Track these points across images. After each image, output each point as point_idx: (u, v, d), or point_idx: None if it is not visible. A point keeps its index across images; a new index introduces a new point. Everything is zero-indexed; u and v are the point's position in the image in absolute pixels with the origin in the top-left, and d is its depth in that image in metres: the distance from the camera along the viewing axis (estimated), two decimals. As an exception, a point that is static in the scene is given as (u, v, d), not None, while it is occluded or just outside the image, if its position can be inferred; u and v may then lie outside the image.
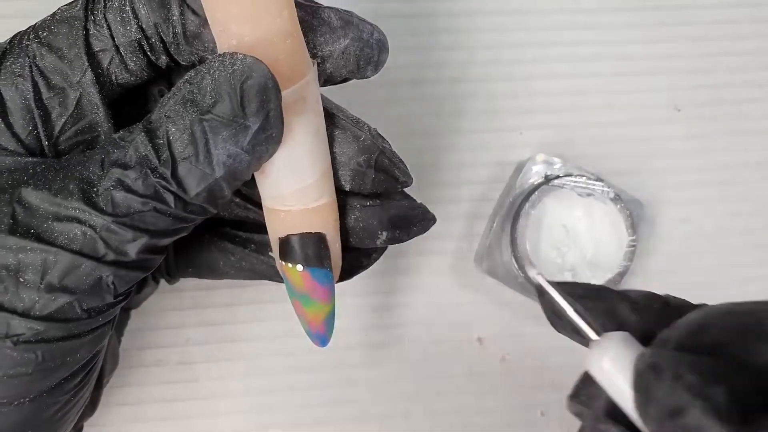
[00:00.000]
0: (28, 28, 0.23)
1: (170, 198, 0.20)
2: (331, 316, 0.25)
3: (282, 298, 0.26)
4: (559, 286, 0.20)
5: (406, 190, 0.26)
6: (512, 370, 0.36)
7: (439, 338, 0.35)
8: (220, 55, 0.20)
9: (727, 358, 0.16)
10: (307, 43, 0.22)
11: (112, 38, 0.22)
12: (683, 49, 0.39)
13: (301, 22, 0.22)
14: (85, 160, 0.21)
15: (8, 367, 0.20)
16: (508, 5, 0.38)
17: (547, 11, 0.38)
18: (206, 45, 0.22)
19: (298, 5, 0.22)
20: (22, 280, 0.20)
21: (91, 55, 0.22)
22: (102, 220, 0.20)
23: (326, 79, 0.24)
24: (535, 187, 0.34)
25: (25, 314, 0.20)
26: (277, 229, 0.23)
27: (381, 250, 0.26)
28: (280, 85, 0.20)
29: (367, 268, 0.27)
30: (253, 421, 0.34)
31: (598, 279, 0.34)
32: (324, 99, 0.23)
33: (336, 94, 0.25)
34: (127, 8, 0.22)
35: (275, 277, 0.26)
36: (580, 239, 0.34)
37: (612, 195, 0.34)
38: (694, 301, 0.19)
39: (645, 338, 0.18)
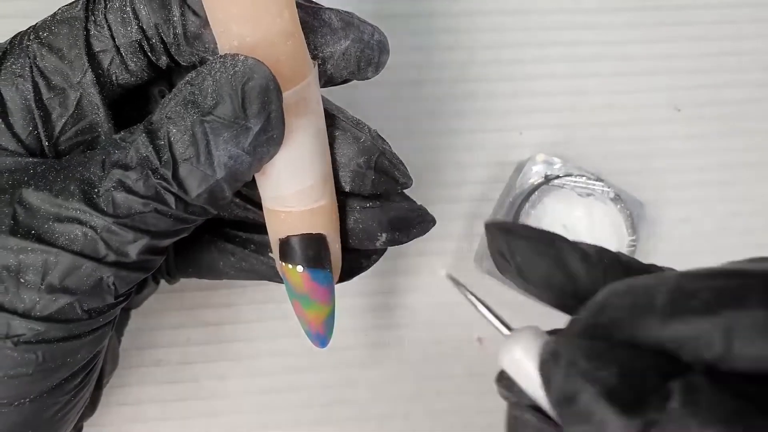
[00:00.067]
0: (28, 29, 0.23)
1: (171, 199, 0.20)
2: (331, 317, 0.25)
3: (282, 298, 0.26)
4: (511, 226, 0.19)
5: (406, 190, 0.26)
6: (512, 370, 0.36)
7: (439, 338, 0.35)
8: (221, 56, 0.20)
9: (620, 338, 0.16)
10: (308, 44, 0.22)
11: (113, 39, 0.22)
12: (683, 49, 0.39)
13: (302, 23, 0.22)
14: (85, 160, 0.21)
15: (9, 367, 0.20)
16: (508, 5, 0.38)
17: (547, 11, 0.38)
18: (207, 46, 0.22)
19: (298, 6, 0.22)
20: (22, 280, 0.20)
21: (92, 56, 0.22)
22: (103, 221, 0.20)
23: (327, 80, 0.24)
24: (535, 187, 0.34)
25: (25, 315, 0.20)
26: (277, 229, 0.23)
27: (381, 251, 0.26)
28: (281, 86, 0.20)
29: (367, 269, 0.27)
30: (253, 421, 0.34)
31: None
32: (324, 100, 0.23)
33: (336, 94, 0.25)
34: (127, 9, 0.22)
35: (275, 277, 0.26)
36: (580, 239, 0.34)
37: (612, 195, 0.34)
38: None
39: (592, 292, 0.18)
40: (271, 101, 0.20)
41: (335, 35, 0.23)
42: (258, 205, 0.24)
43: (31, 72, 0.22)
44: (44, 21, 0.23)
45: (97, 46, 0.22)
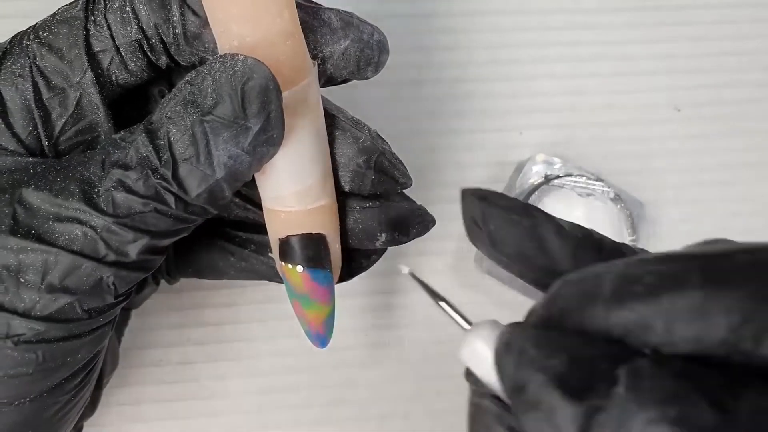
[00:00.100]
0: (28, 28, 0.23)
1: (171, 199, 0.20)
2: (330, 317, 0.25)
3: (282, 298, 0.26)
4: (488, 194, 0.19)
5: (406, 190, 0.26)
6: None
7: (439, 338, 0.35)
8: (221, 56, 0.20)
9: (571, 327, 0.16)
10: (308, 43, 0.22)
11: (113, 39, 0.22)
12: (683, 49, 0.39)
13: (302, 22, 0.22)
14: (85, 160, 0.21)
15: (9, 367, 0.20)
16: (507, 5, 0.38)
17: (547, 11, 0.38)
18: (206, 45, 0.22)
19: (298, 6, 0.22)
20: (22, 280, 0.20)
21: (92, 56, 0.22)
22: (103, 220, 0.20)
23: (326, 80, 0.24)
24: (535, 187, 0.34)
25: (25, 314, 0.20)
26: (277, 229, 0.23)
27: (381, 251, 0.26)
28: (281, 86, 0.20)
29: (366, 269, 0.27)
30: (253, 421, 0.34)
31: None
32: (324, 100, 0.23)
33: (336, 94, 0.25)
34: (127, 9, 0.22)
35: (275, 277, 0.26)
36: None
37: (612, 195, 0.34)
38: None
39: (563, 267, 0.18)
40: (270, 101, 0.20)
41: (335, 35, 0.23)
42: (258, 205, 0.24)
43: (31, 72, 0.22)
44: (44, 21, 0.23)
45: (96, 46, 0.22)
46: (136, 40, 0.22)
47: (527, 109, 0.37)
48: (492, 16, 0.38)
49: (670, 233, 0.37)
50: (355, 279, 0.27)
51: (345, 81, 0.24)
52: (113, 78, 0.23)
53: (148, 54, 0.23)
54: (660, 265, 0.15)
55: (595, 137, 0.38)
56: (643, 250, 0.18)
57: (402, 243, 0.25)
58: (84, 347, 0.22)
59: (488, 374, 0.17)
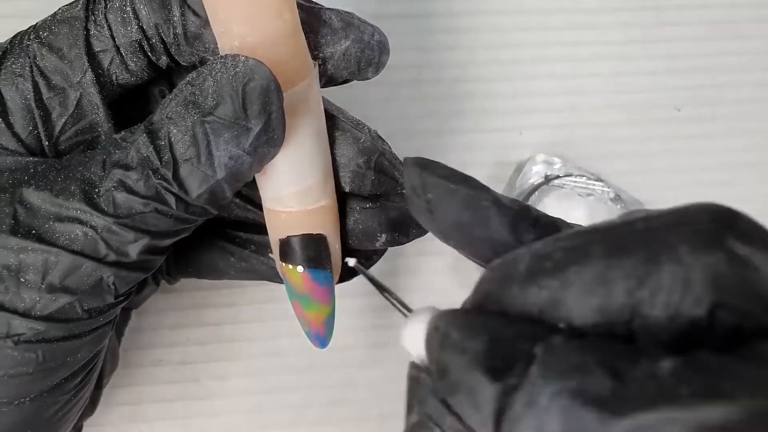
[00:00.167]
0: (28, 28, 0.23)
1: (171, 199, 0.20)
2: (331, 318, 0.25)
3: (282, 298, 0.26)
4: (429, 163, 0.19)
5: (406, 191, 0.26)
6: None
7: (439, 338, 0.35)
8: (221, 56, 0.20)
9: (492, 309, 0.16)
10: (308, 44, 0.22)
11: (113, 38, 0.22)
12: (683, 49, 0.39)
13: (303, 23, 0.22)
14: (86, 160, 0.21)
15: (9, 366, 0.20)
16: (507, 5, 0.38)
17: (547, 11, 0.38)
18: (207, 46, 0.22)
19: (299, 6, 0.22)
20: (23, 280, 0.20)
21: (92, 56, 0.22)
22: (103, 220, 0.20)
23: (327, 81, 0.24)
24: (535, 187, 0.34)
25: (26, 314, 0.20)
26: (277, 230, 0.23)
27: (381, 252, 0.26)
28: (281, 86, 0.20)
29: (367, 269, 0.27)
30: (253, 421, 0.34)
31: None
32: (324, 100, 0.23)
33: (336, 94, 0.25)
34: (127, 9, 0.22)
35: (275, 278, 0.26)
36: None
37: (612, 195, 0.34)
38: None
39: (501, 241, 0.18)
40: (271, 102, 0.20)
41: (335, 35, 0.23)
42: (258, 206, 0.24)
43: (31, 71, 0.22)
44: (44, 21, 0.23)
45: (97, 46, 0.22)
46: (136, 40, 0.22)
47: (527, 109, 0.37)
48: (492, 16, 0.38)
49: (669, 233, 0.37)
50: (355, 279, 0.26)
51: (345, 81, 0.24)
52: (113, 78, 0.23)
53: (149, 54, 0.23)
54: (568, 241, 0.16)
55: (595, 137, 0.38)
56: (578, 226, 0.18)
57: (402, 243, 0.25)
58: (84, 347, 0.22)
59: (423, 357, 0.18)
